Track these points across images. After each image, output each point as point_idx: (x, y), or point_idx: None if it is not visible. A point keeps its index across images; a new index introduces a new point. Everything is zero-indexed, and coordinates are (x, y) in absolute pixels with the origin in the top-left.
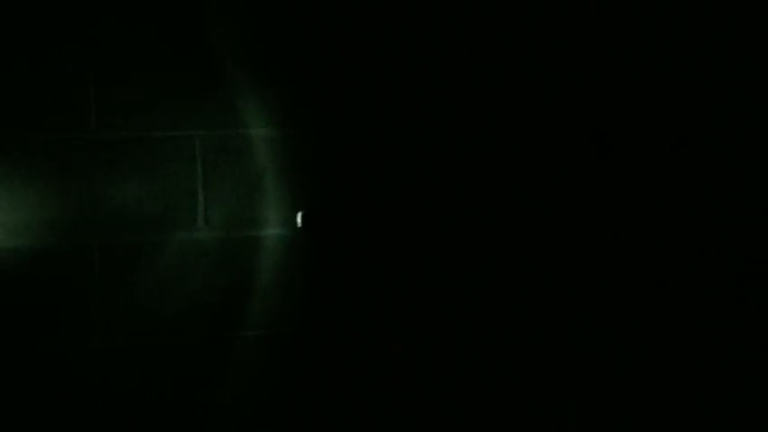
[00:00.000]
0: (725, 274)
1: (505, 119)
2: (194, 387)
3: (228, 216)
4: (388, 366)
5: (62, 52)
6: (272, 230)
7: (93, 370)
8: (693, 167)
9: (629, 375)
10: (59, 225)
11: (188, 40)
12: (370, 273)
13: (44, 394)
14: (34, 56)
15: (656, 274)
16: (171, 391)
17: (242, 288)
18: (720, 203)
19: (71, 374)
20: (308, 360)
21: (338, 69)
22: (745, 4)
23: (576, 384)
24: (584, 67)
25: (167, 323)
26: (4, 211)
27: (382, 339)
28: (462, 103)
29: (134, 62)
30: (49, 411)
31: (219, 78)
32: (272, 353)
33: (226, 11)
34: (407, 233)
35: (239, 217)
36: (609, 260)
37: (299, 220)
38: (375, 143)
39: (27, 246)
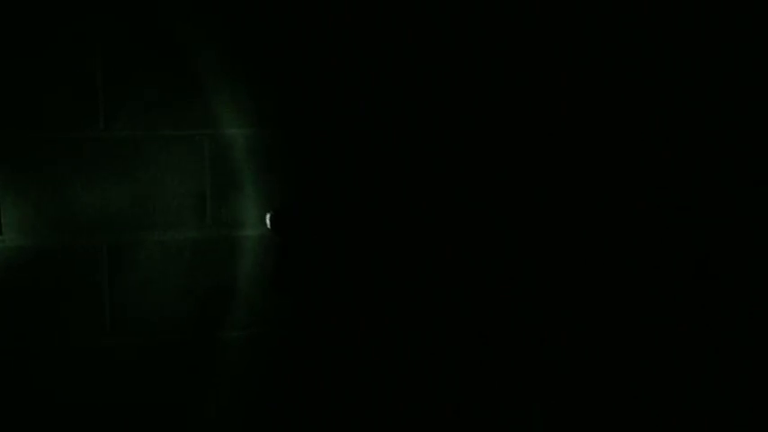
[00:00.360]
0: (724, 274)
1: (482, 116)
2: (202, 386)
3: (236, 215)
4: (371, 365)
5: (71, 52)
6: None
7: (95, 369)
8: (691, 168)
9: (625, 376)
10: (68, 224)
11: (192, 41)
12: (355, 272)
13: (48, 392)
14: (43, 56)
15: (650, 274)
16: (173, 390)
17: (245, 286)
18: (719, 204)
19: (72, 373)
20: (304, 358)
21: (334, 71)
22: (744, 4)
23: (547, 387)
24: (577, 66)
25: (176, 321)
26: (13, 211)
27: (365, 339)
28: (440, 101)
29: (142, 62)
30: (53, 409)
31: (224, 79)
32: (279, 351)
33: (224, 14)
34: (391, 232)
35: (246, 216)
36: (602, 261)
37: (267, 220)
38: (368, 143)
39: (36, 245)
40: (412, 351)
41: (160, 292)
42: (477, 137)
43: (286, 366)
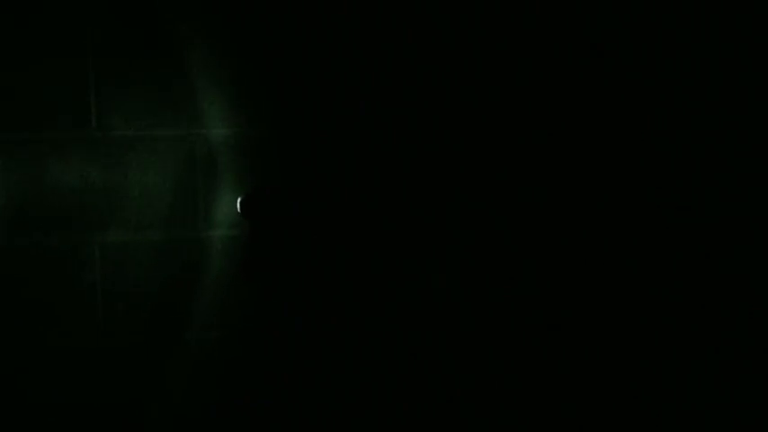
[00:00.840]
0: (724, 274)
1: (482, 116)
2: (197, 386)
3: (228, 214)
4: (349, 366)
5: (64, 53)
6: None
7: (88, 369)
8: (692, 168)
9: (626, 376)
10: (60, 223)
11: (185, 40)
12: (338, 269)
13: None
14: (36, 56)
15: (650, 274)
16: (169, 390)
17: (239, 285)
18: (719, 204)
19: (65, 373)
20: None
21: (328, 72)
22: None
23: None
24: (577, 66)
25: (171, 321)
26: (5, 211)
27: (345, 338)
28: (440, 100)
29: (134, 61)
30: (48, 411)
31: (217, 79)
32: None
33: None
34: (384, 231)
35: (238, 215)
36: (602, 261)
37: (238, 205)
38: (365, 143)
39: (27, 244)
40: (394, 352)
41: (154, 292)
42: (476, 136)
43: (282, 364)
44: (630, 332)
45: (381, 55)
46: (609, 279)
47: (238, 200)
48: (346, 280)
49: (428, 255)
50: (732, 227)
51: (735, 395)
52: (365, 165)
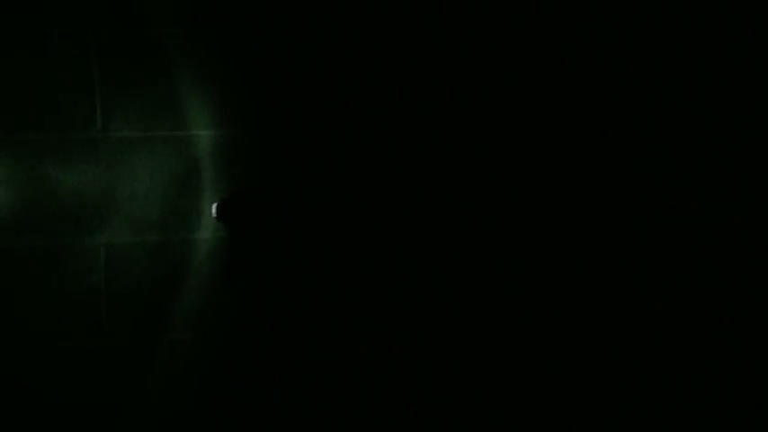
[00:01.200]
0: (717, 274)
1: (471, 116)
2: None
3: (233, 215)
4: (329, 366)
5: (69, 55)
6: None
7: (90, 368)
8: (682, 168)
9: (616, 376)
10: (65, 224)
11: (188, 44)
12: (322, 271)
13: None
14: (42, 58)
15: (641, 274)
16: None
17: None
18: (719, 203)
19: (66, 373)
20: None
21: (323, 74)
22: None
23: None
24: (568, 66)
25: (171, 321)
26: (11, 210)
27: (324, 339)
28: (429, 100)
29: (137, 64)
30: (48, 411)
31: (216, 81)
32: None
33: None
34: (369, 232)
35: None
36: (592, 261)
37: (213, 210)
38: (361, 144)
39: (33, 245)
40: (382, 352)
41: (155, 293)
42: (465, 136)
43: (274, 364)
44: (623, 331)
45: (370, 56)
46: (600, 279)
47: (213, 205)
48: (331, 281)
49: (416, 256)
50: (727, 227)
51: (733, 395)
52: (356, 166)
